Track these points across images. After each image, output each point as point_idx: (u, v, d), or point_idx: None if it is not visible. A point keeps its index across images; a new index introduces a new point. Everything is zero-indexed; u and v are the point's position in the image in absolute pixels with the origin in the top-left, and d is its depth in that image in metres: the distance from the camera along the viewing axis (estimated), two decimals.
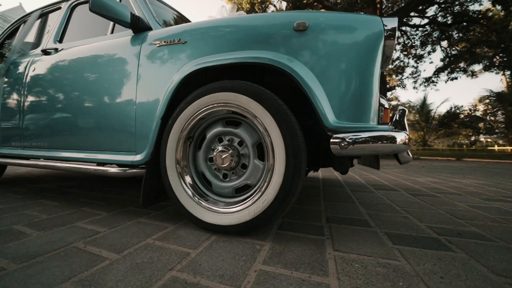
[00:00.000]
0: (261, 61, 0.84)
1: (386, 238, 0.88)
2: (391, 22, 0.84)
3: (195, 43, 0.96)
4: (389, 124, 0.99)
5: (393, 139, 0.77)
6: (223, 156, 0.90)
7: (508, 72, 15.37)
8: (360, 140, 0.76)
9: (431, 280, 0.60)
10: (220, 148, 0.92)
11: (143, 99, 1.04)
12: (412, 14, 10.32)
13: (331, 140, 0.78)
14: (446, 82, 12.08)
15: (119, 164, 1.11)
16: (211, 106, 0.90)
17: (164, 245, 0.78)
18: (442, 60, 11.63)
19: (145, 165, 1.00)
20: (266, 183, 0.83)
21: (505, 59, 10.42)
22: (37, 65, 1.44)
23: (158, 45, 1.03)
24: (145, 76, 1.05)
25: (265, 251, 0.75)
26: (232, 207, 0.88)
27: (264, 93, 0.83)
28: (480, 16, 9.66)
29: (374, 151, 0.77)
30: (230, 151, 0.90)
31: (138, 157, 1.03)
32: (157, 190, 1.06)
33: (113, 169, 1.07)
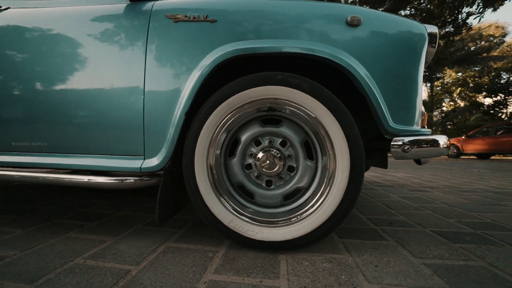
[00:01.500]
0: (317, 53, 0.76)
1: (334, 232, 0.95)
2: (432, 29, 0.85)
3: (228, 23, 0.81)
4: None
5: (437, 143, 0.79)
6: (273, 160, 0.82)
7: (429, 84, 18.95)
8: (419, 144, 0.77)
9: (368, 270, 0.67)
10: (273, 150, 0.83)
11: (156, 88, 0.83)
12: None
13: (392, 144, 0.77)
14: None
15: (114, 172, 0.87)
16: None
17: (98, 264, 0.67)
18: None
19: (164, 172, 0.81)
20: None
21: (426, 73, 12.80)
22: None
23: (175, 20, 0.84)
24: (157, 59, 0.83)
25: (217, 258, 0.72)
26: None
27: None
28: None
29: (427, 155, 0.79)
30: (282, 162, 0.82)
31: (152, 162, 0.81)
32: (173, 201, 0.87)
33: (103, 179, 0.82)
